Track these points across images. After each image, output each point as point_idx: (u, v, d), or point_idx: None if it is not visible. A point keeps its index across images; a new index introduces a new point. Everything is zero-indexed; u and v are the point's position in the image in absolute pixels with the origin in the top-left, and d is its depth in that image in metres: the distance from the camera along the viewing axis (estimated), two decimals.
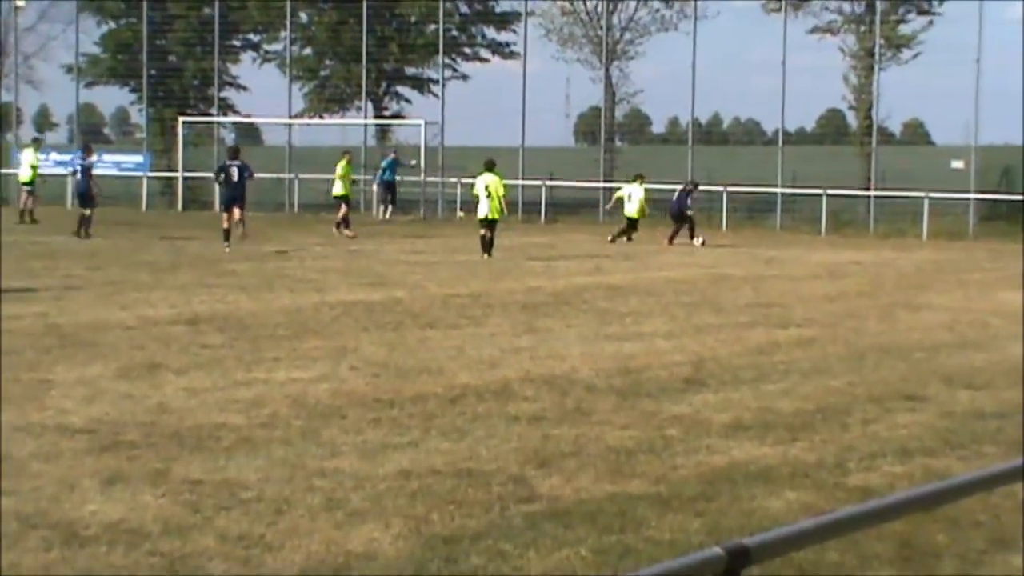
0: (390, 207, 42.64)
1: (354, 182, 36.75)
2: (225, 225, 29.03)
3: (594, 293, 20.89)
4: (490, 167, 28.61)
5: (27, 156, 38.51)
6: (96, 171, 34.15)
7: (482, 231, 28.24)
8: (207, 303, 18.48)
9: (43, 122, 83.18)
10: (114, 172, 46.12)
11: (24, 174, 38.05)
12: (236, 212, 29.06)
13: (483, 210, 28.12)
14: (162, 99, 50.33)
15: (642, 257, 28.97)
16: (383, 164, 43.14)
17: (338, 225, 34.34)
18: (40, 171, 38.98)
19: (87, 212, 31.73)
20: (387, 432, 10.21)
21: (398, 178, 42.94)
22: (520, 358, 14.04)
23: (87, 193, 32.25)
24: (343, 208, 34.70)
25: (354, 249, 29.41)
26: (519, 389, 12.15)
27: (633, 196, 33.57)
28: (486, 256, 27.59)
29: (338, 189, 35.43)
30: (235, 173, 29.25)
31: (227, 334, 15.36)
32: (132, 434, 9.97)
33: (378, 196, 43.37)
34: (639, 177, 34.11)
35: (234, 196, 29.32)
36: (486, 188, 28.08)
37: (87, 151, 34.01)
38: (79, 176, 33.17)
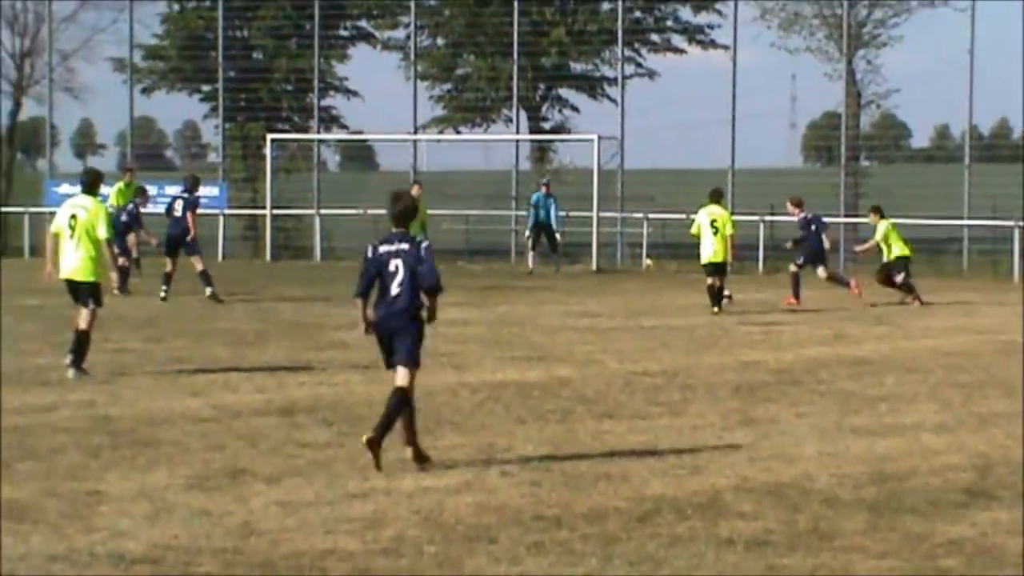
0: (531, 255, 42.46)
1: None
2: (168, 268, 30.96)
3: (834, 370, 20.75)
4: (716, 198, 30.09)
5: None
6: (146, 209, 34.93)
7: (709, 280, 29.37)
8: (307, 386, 18.71)
9: (85, 143, 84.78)
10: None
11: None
12: (196, 263, 30.91)
13: (707, 252, 29.36)
14: (244, 110, 51.18)
15: (899, 319, 28.69)
16: (532, 201, 42.85)
17: None
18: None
19: (125, 263, 32.63)
20: (553, 561, 10.24)
21: (561, 214, 42.66)
22: (733, 459, 14.00)
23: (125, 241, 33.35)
24: None
25: (503, 311, 29.58)
26: (733, 502, 12.12)
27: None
28: (715, 310, 28.84)
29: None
30: (179, 207, 31.45)
31: (334, 428, 15.52)
32: (209, 564, 10.12)
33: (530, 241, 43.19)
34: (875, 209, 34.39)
35: (173, 236, 31.31)
36: (712, 223, 29.30)
37: (153, 196, 35.27)
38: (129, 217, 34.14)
